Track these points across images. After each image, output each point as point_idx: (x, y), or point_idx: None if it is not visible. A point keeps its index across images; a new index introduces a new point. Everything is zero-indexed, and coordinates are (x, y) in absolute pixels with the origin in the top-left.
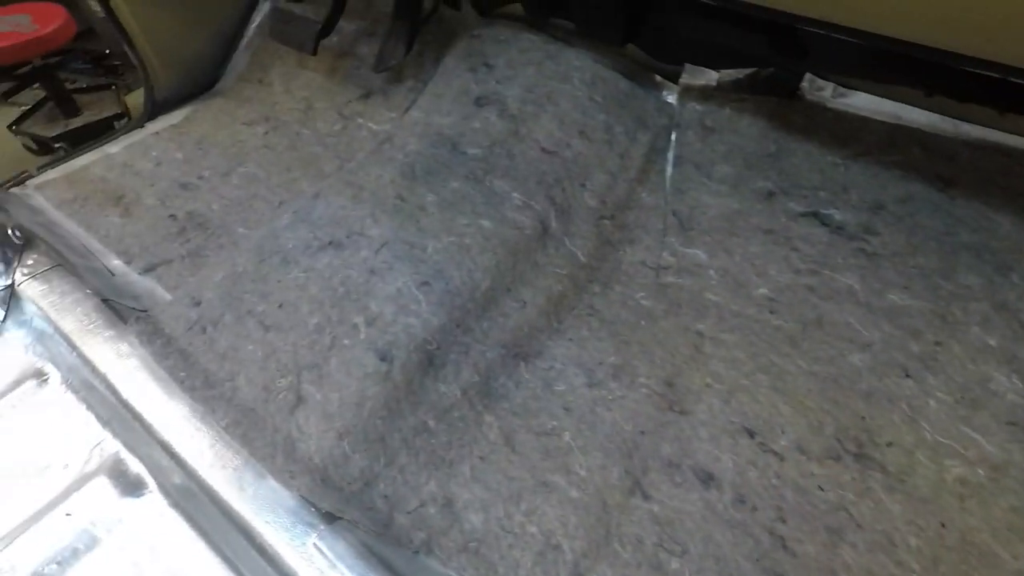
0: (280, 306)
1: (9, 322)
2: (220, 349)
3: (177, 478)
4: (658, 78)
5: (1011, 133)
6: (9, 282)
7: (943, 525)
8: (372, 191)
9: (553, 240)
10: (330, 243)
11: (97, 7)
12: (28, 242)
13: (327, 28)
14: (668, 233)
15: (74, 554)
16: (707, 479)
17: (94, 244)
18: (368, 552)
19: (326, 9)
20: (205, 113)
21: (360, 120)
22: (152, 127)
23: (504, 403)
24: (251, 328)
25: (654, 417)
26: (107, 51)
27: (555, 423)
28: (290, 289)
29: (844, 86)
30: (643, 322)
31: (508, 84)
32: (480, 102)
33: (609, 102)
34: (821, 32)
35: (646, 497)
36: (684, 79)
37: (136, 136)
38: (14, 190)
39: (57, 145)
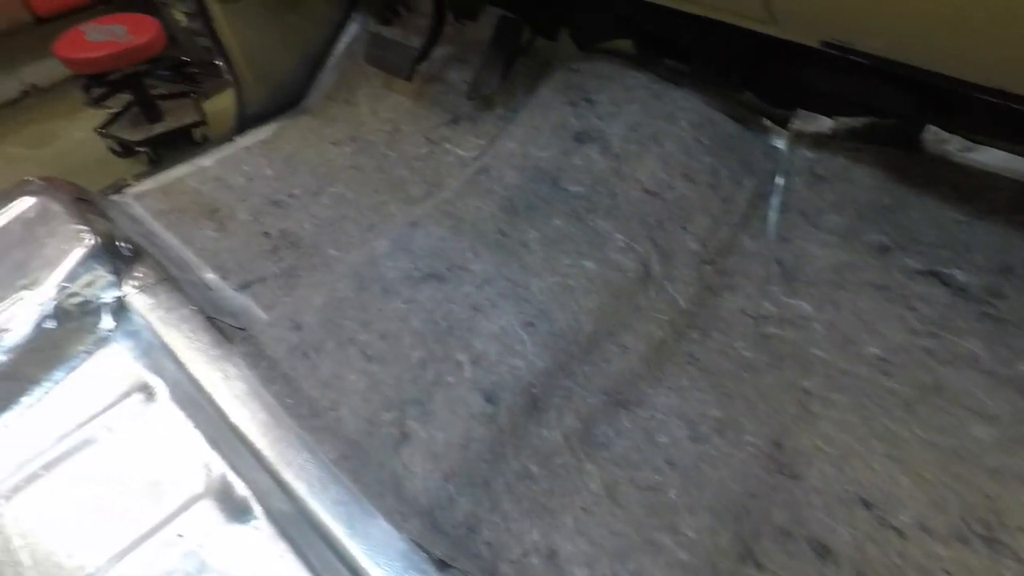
0: (382, 337)
1: (119, 332)
2: (323, 376)
3: (285, 507)
4: (766, 122)
5: None
6: (120, 294)
7: None
8: (472, 224)
9: (654, 284)
10: (431, 275)
11: (185, 20)
12: (136, 254)
13: (424, 54)
14: (771, 282)
15: None
16: (823, 552)
17: (190, 257)
18: None
19: (419, 35)
20: (293, 130)
21: (447, 145)
22: (242, 142)
23: (605, 452)
24: (353, 357)
25: (763, 480)
26: (186, 59)
27: (659, 478)
28: (391, 320)
29: (972, 140)
30: (745, 374)
31: (611, 121)
32: (581, 138)
33: (715, 145)
34: (987, 99)
35: (759, 567)
36: (796, 125)
37: (227, 150)
38: (114, 197)
39: (140, 149)
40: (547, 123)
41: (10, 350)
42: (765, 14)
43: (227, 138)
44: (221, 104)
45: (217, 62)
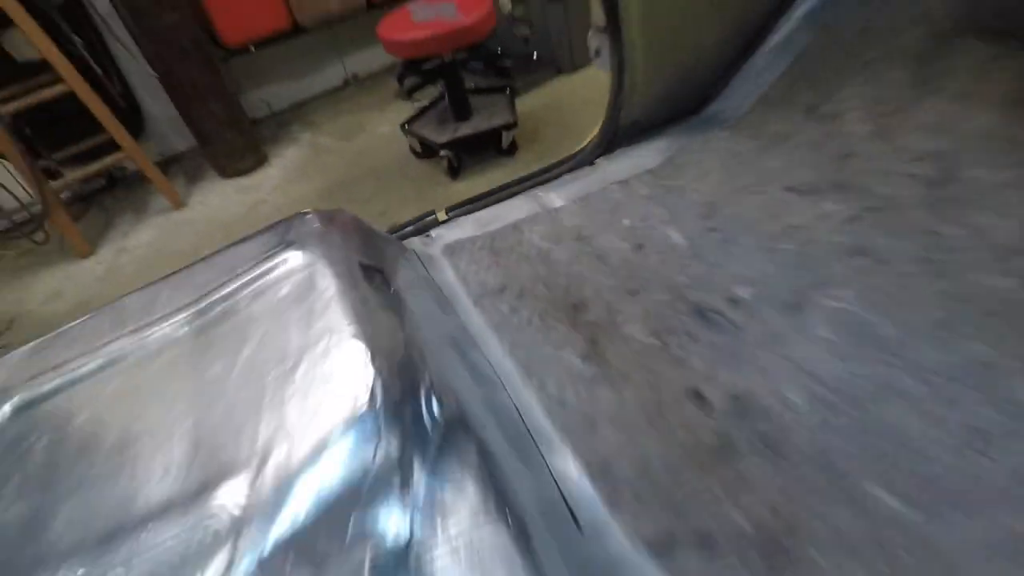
0: None
1: None
2: None
3: None
4: None
5: None
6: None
7: None
8: None
9: None
10: None
11: (509, 5)
12: (442, 406)
13: None
14: None
15: None
16: None
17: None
18: None
19: None
20: (705, 157)
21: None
22: (611, 168)
23: None
24: None
25: None
26: (500, 52)
27: None
28: None
29: None
30: None
31: None
32: None
33: None
34: None
35: None
36: None
37: (588, 181)
38: (415, 243)
39: (443, 154)
40: None
41: None
42: None
43: (586, 159)
44: (532, 107)
45: (549, 52)
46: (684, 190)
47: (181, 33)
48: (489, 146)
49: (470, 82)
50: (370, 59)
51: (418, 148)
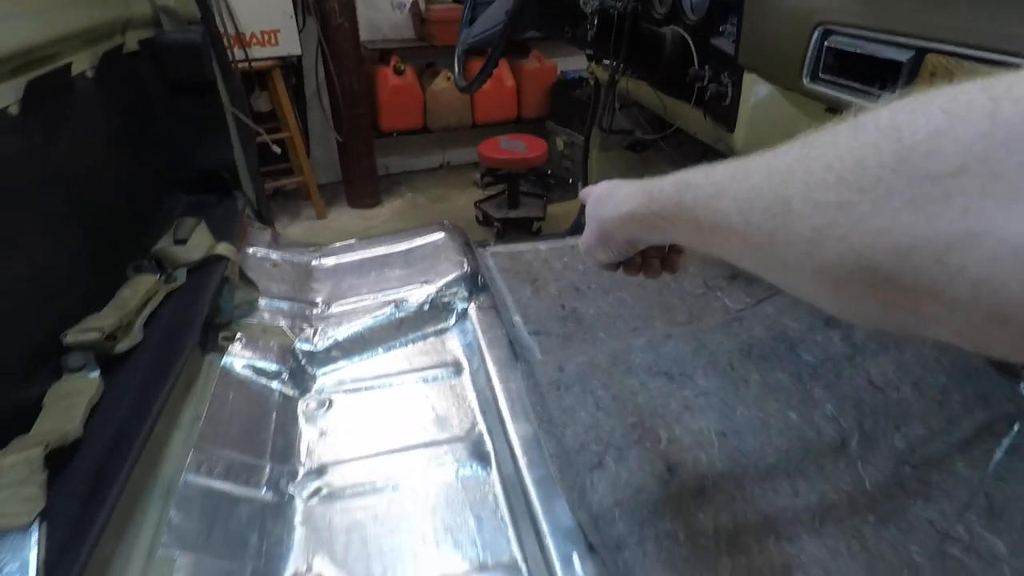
0: (614, 398)
1: (455, 327)
2: (564, 405)
3: (510, 470)
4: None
5: None
6: (466, 306)
7: None
8: (711, 352)
9: (847, 457)
10: (665, 373)
11: (561, 145)
12: (484, 288)
13: None
14: (972, 510)
15: (423, 471)
16: None
17: (510, 302)
18: None
19: None
20: None
21: (719, 293)
22: (570, 240)
23: (743, 558)
24: (588, 403)
25: None
26: (548, 172)
27: None
28: (625, 390)
29: None
30: (907, 573)
31: None
32: (831, 323)
33: (955, 370)
34: None
35: None
36: None
37: (559, 243)
38: (479, 249)
39: (495, 224)
40: (807, 305)
41: (405, 311)
42: None
43: (560, 234)
44: (558, 211)
45: (574, 180)
46: None
47: (361, 120)
48: (524, 228)
49: (523, 187)
50: (461, 154)
51: (481, 218)
